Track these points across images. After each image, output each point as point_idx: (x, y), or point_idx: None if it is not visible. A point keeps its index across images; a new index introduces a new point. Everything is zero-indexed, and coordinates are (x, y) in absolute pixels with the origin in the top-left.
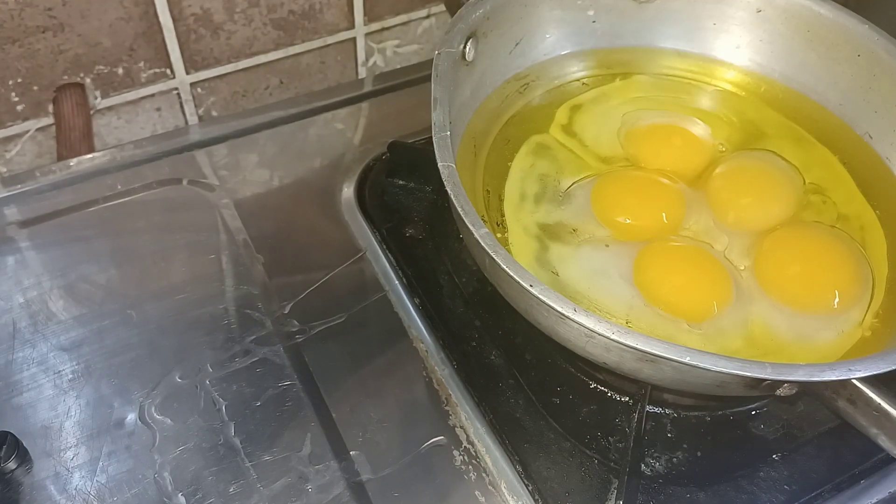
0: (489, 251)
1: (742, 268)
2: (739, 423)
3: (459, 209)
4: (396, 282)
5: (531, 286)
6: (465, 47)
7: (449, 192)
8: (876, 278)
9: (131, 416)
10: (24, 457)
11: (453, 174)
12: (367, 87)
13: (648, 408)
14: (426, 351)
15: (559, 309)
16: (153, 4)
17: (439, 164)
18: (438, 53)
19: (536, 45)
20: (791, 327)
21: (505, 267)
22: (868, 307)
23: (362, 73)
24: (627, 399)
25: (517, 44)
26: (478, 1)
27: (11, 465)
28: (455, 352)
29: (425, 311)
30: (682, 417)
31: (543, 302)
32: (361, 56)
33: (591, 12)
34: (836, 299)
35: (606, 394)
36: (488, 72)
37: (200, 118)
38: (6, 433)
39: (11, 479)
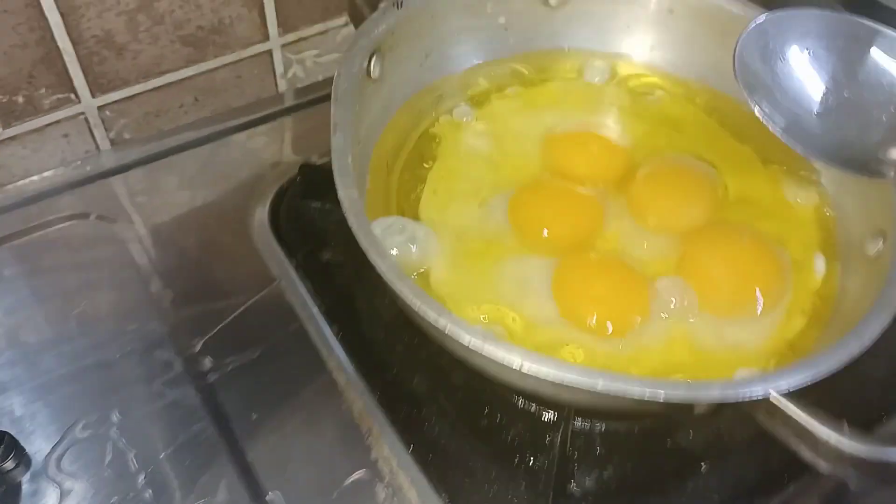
0: (394, 283)
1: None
2: (667, 433)
3: (363, 242)
4: (314, 310)
5: (438, 318)
6: (369, 64)
7: (351, 223)
8: (799, 278)
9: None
10: (21, 457)
11: (355, 204)
12: (288, 102)
13: (577, 423)
14: (346, 382)
15: (468, 340)
16: (49, 29)
17: (340, 194)
18: (338, 74)
19: (448, 55)
20: (713, 334)
21: (411, 299)
22: (792, 308)
23: (282, 85)
24: (555, 416)
25: (427, 56)
26: (380, 15)
27: (9, 465)
28: (376, 380)
29: (344, 339)
30: (611, 431)
31: (450, 334)
32: (280, 68)
33: (502, 19)
34: (759, 304)
35: (534, 412)
36: (398, 87)
37: (112, 141)
38: (4, 433)
39: (9, 479)
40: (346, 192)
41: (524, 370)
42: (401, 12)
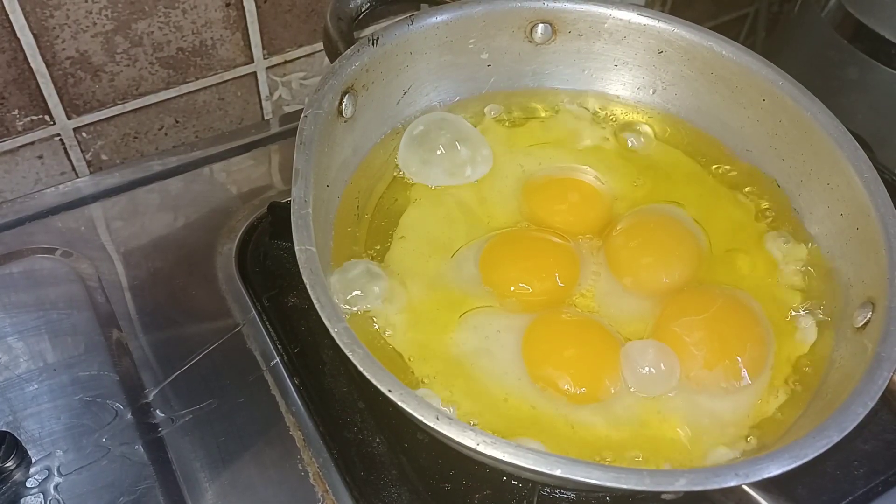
0: (346, 350)
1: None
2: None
3: (316, 302)
4: (276, 359)
5: (389, 391)
6: (340, 104)
7: (306, 281)
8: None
9: None
10: (23, 457)
11: (312, 260)
12: (274, 128)
13: (546, 491)
14: (304, 439)
15: (419, 417)
16: (22, 50)
17: (296, 248)
18: (305, 116)
19: (427, 92)
20: (690, 405)
21: (361, 368)
22: (775, 378)
23: (267, 107)
24: (522, 483)
25: (405, 92)
26: (354, 53)
27: (10, 464)
28: (335, 439)
29: (305, 392)
30: (581, 499)
31: (403, 409)
32: (265, 91)
33: (484, 55)
34: (739, 374)
35: (502, 477)
36: (373, 125)
37: (89, 163)
38: (5, 433)
39: (10, 478)
40: (303, 248)
41: (480, 450)
42: (376, 49)
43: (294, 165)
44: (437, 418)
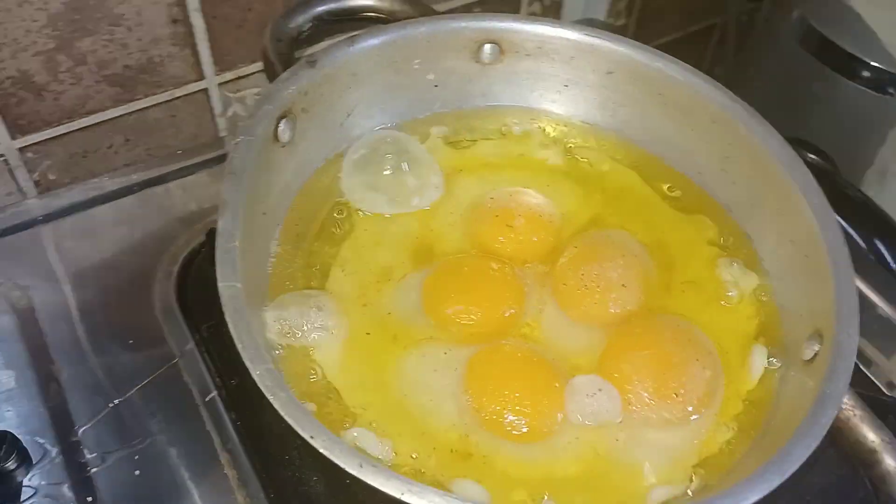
0: (267, 394)
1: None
2: None
3: (238, 343)
4: (213, 393)
5: (311, 437)
6: (276, 129)
7: (228, 320)
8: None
9: None
10: (23, 456)
11: (236, 298)
12: (229, 146)
13: None
14: (238, 478)
15: (342, 465)
16: None
17: (219, 285)
18: (236, 143)
19: (373, 114)
20: (633, 441)
21: (283, 413)
22: (723, 413)
23: (221, 123)
24: None
25: (349, 115)
26: (291, 76)
27: (11, 465)
28: (272, 478)
29: (243, 427)
30: None
31: (328, 457)
32: (218, 107)
33: (431, 76)
34: (685, 409)
35: None
36: (314, 149)
37: (37, 183)
38: (5, 433)
39: (11, 478)
40: (226, 285)
41: (405, 499)
42: (315, 71)
43: (221, 196)
44: (361, 466)
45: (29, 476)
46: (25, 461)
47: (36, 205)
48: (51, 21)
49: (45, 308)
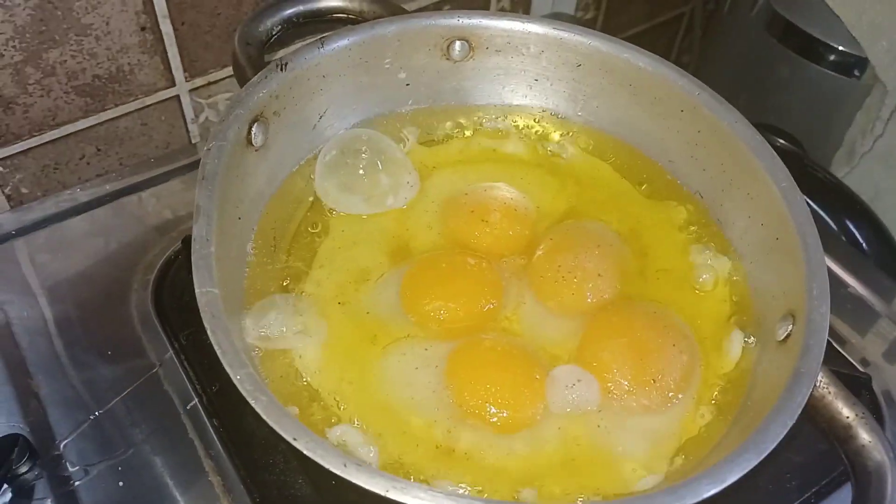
0: (248, 398)
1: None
2: None
3: (217, 348)
4: (195, 400)
5: (294, 440)
6: (249, 133)
7: (207, 326)
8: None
9: None
10: (35, 460)
11: (213, 303)
12: (202, 152)
13: None
14: (223, 485)
15: (326, 465)
16: None
17: (197, 291)
18: (208, 149)
19: (345, 115)
20: (615, 429)
21: (265, 416)
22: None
23: (194, 130)
24: None
25: (322, 116)
26: (262, 80)
27: (23, 468)
28: (256, 482)
29: (225, 433)
30: None
31: (312, 459)
32: (189, 114)
33: (402, 75)
34: (664, 395)
35: None
36: (287, 152)
37: (9, 197)
38: (17, 435)
39: (23, 481)
40: (203, 291)
41: (390, 496)
42: (286, 74)
43: (195, 202)
44: (345, 465)
45: (6, 494)
46: (37, 465)
47: (8, 219)
48: (17, 33)
49: (21, 323)
